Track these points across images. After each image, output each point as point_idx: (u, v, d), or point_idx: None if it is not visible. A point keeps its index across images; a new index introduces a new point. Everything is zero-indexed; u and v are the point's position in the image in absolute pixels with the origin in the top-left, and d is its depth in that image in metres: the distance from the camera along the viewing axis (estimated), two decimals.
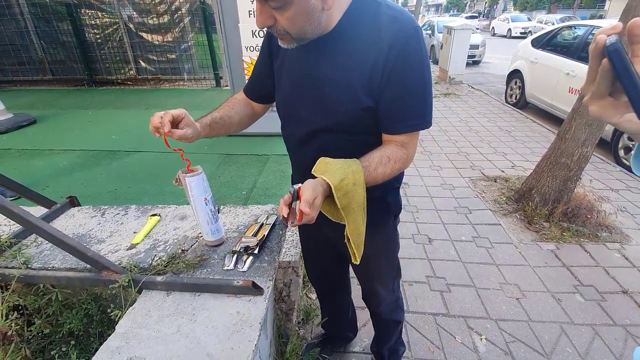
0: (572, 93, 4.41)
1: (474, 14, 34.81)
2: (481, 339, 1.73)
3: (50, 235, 0.98)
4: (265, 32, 0.91)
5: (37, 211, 1.43)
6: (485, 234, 2.52)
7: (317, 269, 1.40)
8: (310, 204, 0.70)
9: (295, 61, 0.87)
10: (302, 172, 1.02)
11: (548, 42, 5.31)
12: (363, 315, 1.83)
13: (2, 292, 1.06)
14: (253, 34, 2.86)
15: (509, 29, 20.36)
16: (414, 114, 0.81)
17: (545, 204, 2.63)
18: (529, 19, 21.98)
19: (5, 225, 1.33)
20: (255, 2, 0.71)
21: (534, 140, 4.35)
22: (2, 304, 1.03)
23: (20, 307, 1.16)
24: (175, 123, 0.85)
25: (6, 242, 1.20)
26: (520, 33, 19.05)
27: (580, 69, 4.34)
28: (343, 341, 1.68)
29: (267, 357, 1.15)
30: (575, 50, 4.64)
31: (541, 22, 19.22)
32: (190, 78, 5.68)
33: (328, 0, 0.71)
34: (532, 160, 3.69)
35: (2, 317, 1.01)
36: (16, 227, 1.29)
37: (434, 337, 1.74)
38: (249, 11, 2.78)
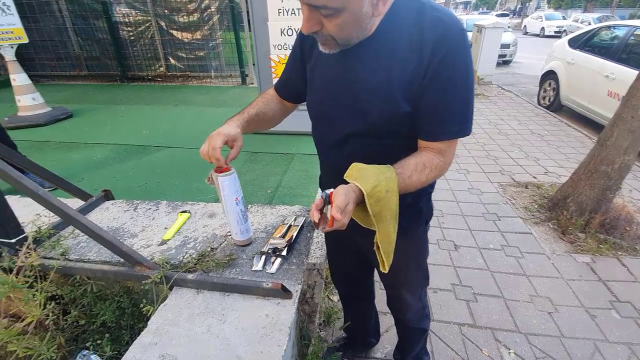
0: (611, 97, 4.17)
1: (505, 12, 33.56)
2: (509, 353, 1.66)
3: (89, 229, 1.01)
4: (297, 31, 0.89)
5: (74, 203, 1.49)
6: (515, 243, 2.42)
7: (342, 273, 1.38)
8: (342, 210, 0.69)
9: (330, 63, 0.84)
10: (332, 175, 1.00)
11: (586, 43, 5.04)
12: (386, 321, 1.80)
13: (41, 282, 1.10)
14: (282, 32, 2.86)
15: (542, 28, 19.49)
16: (454, 121, 0.77)
17: (582, 214, 2.50)
18: (564, 18, 20.94)
19: (45, 216, 1.39)
20: (302, 7, 0.69)
21: (568, 146, 4.14)
22: (40, 293, 1.07)
23: (56, 297, 1.21)
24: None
25: (46, 233, 1.25)
26: (555, 32, 18.19)
27: (620, 72, 4.09)
28: (365, 346, 1.66)
29: (289, 359, 1.14)
30: (616, 51, 4.39)
31: (577, 21, 18.24)
32: (217, 75, 5.78)
33: (379, 6, 0.69)
34: (567, 167, 3.52)
35: (40, 306, 1.05)
36: (55, 218, 1.35)
37: (459, 347, 1.69)
38: (279, 9, 2.79)
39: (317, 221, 0.72)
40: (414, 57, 0.72)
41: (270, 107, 1.04)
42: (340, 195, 0.70)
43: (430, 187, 1.00)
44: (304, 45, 0.92)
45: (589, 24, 15.29)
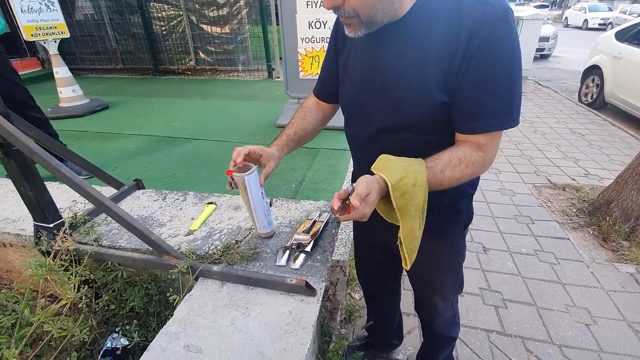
0: None
1: (544, 3, 31.68)
2: None
3: (120, 217, 1.04)
4: (325, 22, 0.86)
5: (107, 191, 1.54)
6: (550, 248, 2.28)
7: (368, 272, 1.34)
8: (362, 198, 0.65)
9: (361, 54, 0.81)
10: (365, 173, 0.96)
11: (636, 35, 4.65)
12: (409, 322, 1.75)
13: (76, 266, 1.15)
14: (310, 25, 2.83)
15: (585, 20, 18.25)
16: (495, 111, 0.70)
17: (626, 220, 2.32)
18: (610, 9, 19.47)
19: (81, 203, 1.45)
20: None
21: (612, 146, 3.85)
22: (75, 276, 1.11)
23: (89, 281, 1.26)
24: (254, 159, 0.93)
25: (81, 219, 1.30)
26: (599, 25, 16.99)
27: None
28: (387, 347, 1.62)
29: (310, 355, 1.13)
30: None
31: (624, 13, 16.88)
32: (244, 69, 5.83)
33: None
34: (610, 169, 3.28)
35: (74, 289, 1.09)
36: (90, 205, 1.40)
37: (486, 355, 1.61)
38: (307, 2, 2.76)
39: (335, 208, 0.69)
40: (450, 43, 0.67)
41: (308, 121, 1.04)
42: (362, 184, 0.67)
43: (472, 188, 0.93)
44: (338, 38, 0.89)
45: (639, 15, 14.14)
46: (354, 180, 1.11)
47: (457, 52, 0.66)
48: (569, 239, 2.38)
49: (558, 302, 1.88)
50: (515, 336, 1.70)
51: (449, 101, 0.71)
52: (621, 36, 4.87)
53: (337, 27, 0.89)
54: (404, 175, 0.69)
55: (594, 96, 5.23)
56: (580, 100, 5.60)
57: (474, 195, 0.97)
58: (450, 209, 0.91)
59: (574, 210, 2.67)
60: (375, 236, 1.11)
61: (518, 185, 3.09)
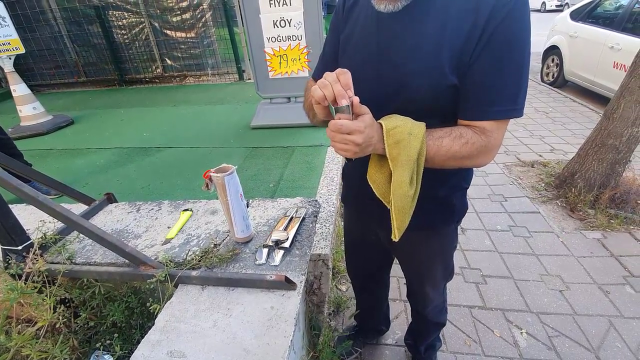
0: (617, 68, 4.07)
1: None
2: (521, 332, 1.65)
3: (91, 232, 1.02)
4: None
5: (78, 208, 1.50)
6: (523, 223, 2.39)
7: (359, 267, 1.35)
8: (359, 107, 0.64)
9: (368, 30, 0.76)
10: (359, 166, 0.86)
11: (589, 14, 4.90)
12: (396, 307, 1.80)
13: (50, 287, 1.11)
14: (274, 24, 2.82)
15: (543, 3, 18.97)
16: (503, 98, 0.68)
17: (590, 190, 2.45)
18: None
19: (50, 222, 1.40)
20: None
21: (574, 121, 4.06)
22: (50, 297, 1.08)
23: (66, 300, 1.22)
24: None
25: (52, 238, 1.26)
26: (556, 6, 17.71)
27: (625, 42, 3.99)
28: (376, 334, 1.66)
29: (300, 349, 1.14)
30: (620, 21, 4.27)
31: None
32: (214, 73, 5.74)
33: None
34: (574, 143, 3.46)
35: (50, 310, 1.06)
36: (59, 223, 1.36)
37: (470, 330, 1.68)
38: (270, 1, 2.75)
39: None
40: (468, 20, 0.65)
41: None
42: (369, 114, 0.66)
43: (465, 181, 0.92)
44: (344, 12, 0.84)
45: None
46: (343, 174, 1.11)
47: (474, 31, 0.65)
48: (539, 212, 2.50)
49: (533, 273, 1.98)
50: (496, 309, 1.78)
51: (458, 84, 0.69)
52: (576, 15, 5.11)
53: (344, 4, 0.85)
54: (400, 124, 0.68)
55: (555, 75, 5.47)
56: (542, 80, 5.84)
57: None
58: (445, 203, 0.90)
59: (543, 184, 2.80)
60: (368, 232, 1.11)
61: (490, 166, 3.20)
